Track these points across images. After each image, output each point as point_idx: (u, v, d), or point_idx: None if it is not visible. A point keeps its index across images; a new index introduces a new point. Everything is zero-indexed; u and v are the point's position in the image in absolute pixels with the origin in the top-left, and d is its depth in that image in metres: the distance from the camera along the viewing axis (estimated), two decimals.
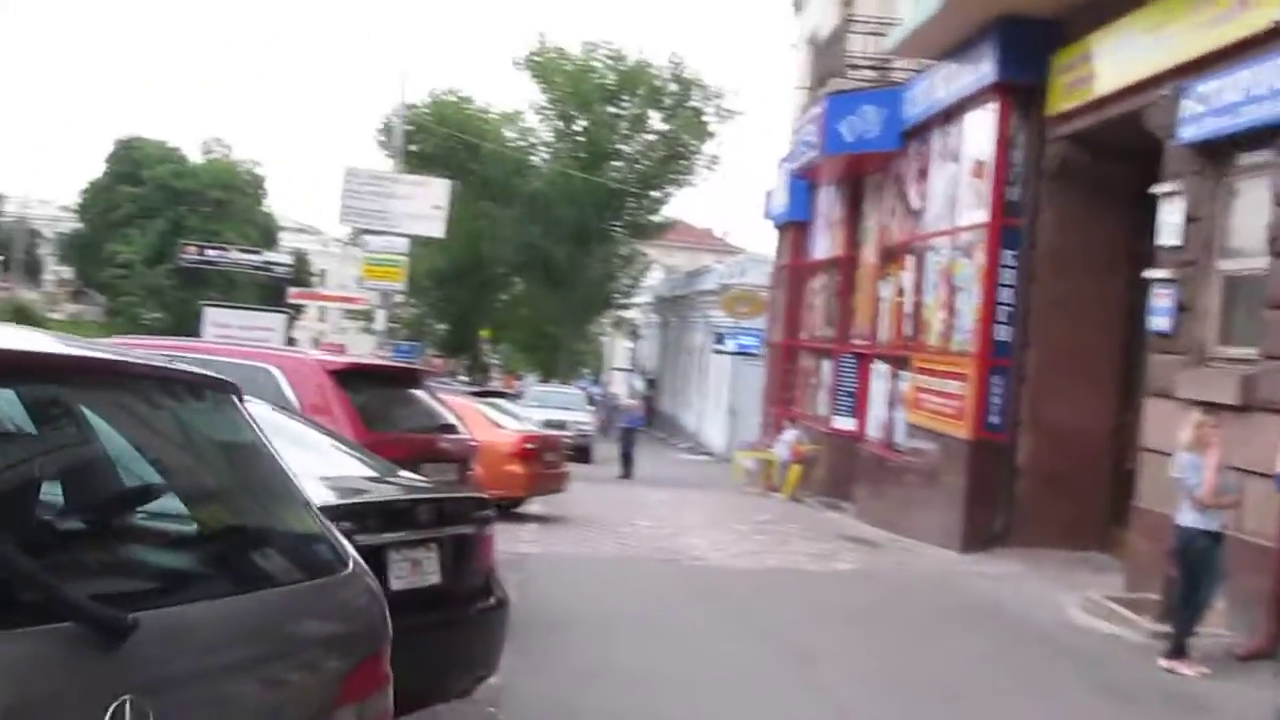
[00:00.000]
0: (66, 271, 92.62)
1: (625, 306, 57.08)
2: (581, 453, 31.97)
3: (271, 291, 72.01)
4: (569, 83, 45.72)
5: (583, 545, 13.60)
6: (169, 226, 70.69)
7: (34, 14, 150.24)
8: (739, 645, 8.79)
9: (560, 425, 32.79)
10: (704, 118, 47.17)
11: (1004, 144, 14.61)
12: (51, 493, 2.63)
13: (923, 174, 17.44)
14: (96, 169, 79.10)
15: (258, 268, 57.54)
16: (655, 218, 49.32)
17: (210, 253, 55.35)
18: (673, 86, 47.08)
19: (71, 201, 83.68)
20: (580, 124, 46.65)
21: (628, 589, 10.97)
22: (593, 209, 45.86)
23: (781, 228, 26.71)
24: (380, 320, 33.45)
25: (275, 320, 18.53)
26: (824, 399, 22.57)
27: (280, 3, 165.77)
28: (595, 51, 46.68)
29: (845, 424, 21.12)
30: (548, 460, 16.08)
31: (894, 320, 18.24)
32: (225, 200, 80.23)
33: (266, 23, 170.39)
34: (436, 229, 32.79)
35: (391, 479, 5.51)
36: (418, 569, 4.83)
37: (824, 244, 23.56)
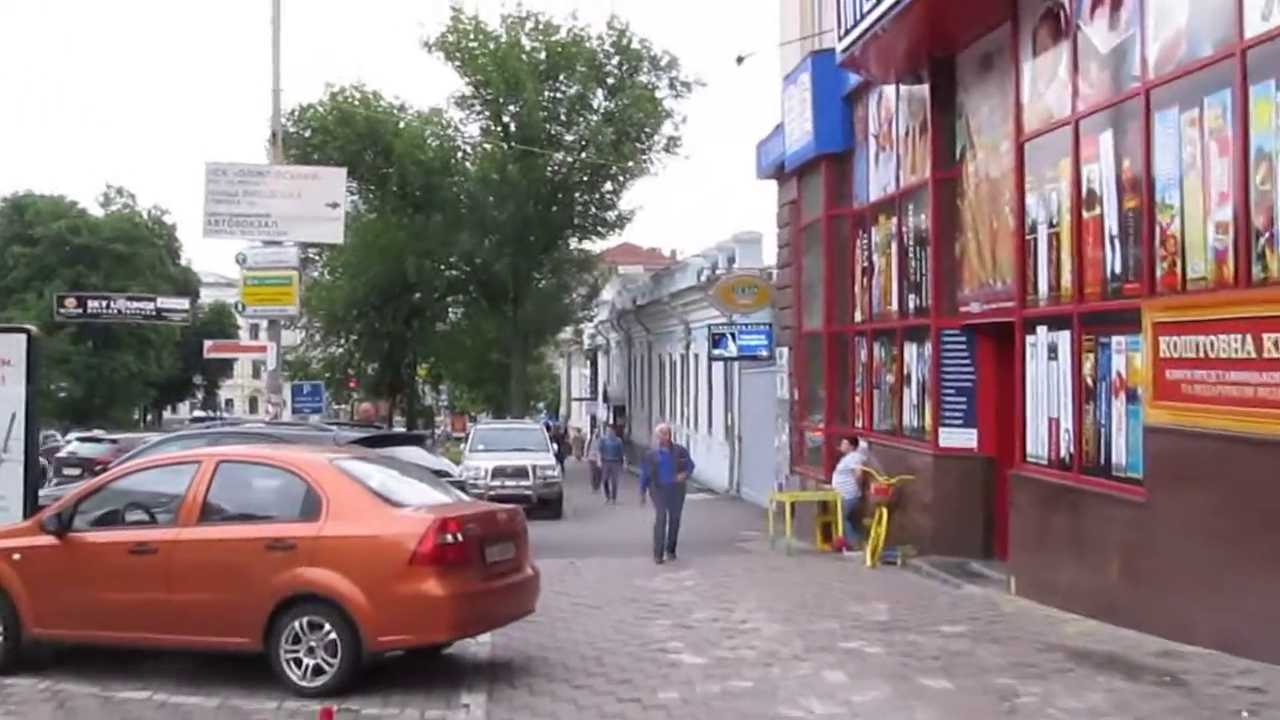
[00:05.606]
0: None
1: (582, 321, 49.36)
2: (548, 505, 24.21)
3: (192, 349, 64.28)
4: (493, 64, 38.19)
5: None
6: (69, 287, 63.09)
7: None
8: None
9: (520, 473, 25.21)
10: (656, 93, 39.94)
11: None
12: None
13: None
14: None
15: (150, 316, 49.11)
16: (610, 214, 41.67)
17: (93, 304, 46.90)
18: (616, 60, 39.87)
19: None
20: (511, 111, 39.10)
21: None
22: (534, 207, 38.38)
23: (799, 171, 19.03)
24: (271, 357, 25.42)
25: (11, 346, 10.49)
26: (913, 404, 14.91)
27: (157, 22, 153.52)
28: (520, 25, 39.24)
29: (960, 439, 13.58)
30: (494, 561, 8.19)
31: (1074, 254, 10.62)
32: (128, 254, 73.47)
33: (150, 50, 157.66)
34: (334, 232, 24.99)
35: None
36: None
37: (883, 176, 16.00)
